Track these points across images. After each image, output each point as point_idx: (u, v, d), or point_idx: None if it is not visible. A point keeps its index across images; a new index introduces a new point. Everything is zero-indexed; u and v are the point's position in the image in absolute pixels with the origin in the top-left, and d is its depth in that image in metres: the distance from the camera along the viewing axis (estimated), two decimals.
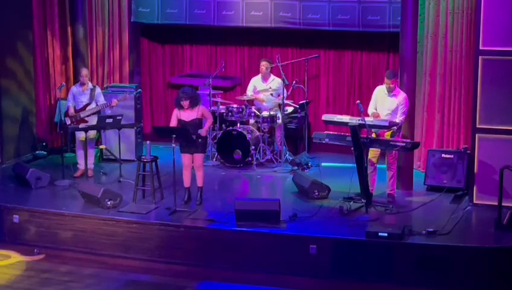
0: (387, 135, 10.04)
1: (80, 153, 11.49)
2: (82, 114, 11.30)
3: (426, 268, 8.66)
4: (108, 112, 11.49)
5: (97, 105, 11.31)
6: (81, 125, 11.26)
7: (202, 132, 9.95)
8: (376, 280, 8.80)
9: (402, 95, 10.20)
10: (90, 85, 11.46)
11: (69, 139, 12.24)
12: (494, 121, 9.88)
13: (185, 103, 9.85)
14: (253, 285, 8.84)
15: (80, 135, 11.41)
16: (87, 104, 11.33)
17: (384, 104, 10.18)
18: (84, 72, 11.49)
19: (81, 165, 11.51)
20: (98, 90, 11.51)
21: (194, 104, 9.91)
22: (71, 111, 11.34)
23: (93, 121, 11.33)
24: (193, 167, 10.17)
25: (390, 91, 10.15)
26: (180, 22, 13.01)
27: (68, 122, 11.32)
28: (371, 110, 10.23)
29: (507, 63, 9.74)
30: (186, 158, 10.10)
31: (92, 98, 11.34)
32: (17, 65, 12.39)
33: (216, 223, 9.40)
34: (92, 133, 11.45)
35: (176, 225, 9.43)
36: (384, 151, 10.18)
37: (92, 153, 11.50)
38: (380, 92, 10.28)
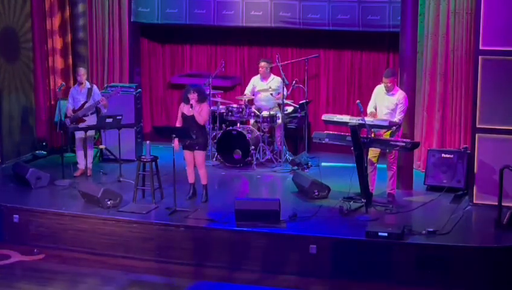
0: (386, 134, 10.04)
1: (80, 153, 11.51)
2: (80, 113, 11.31)
3: (426, 268, 8.66)
4: (104, 111, 11.50)
5: (94, 102, 11.32)
6: (81, 125, 11.27)
7: (195, 105, 9.88)
8: (376, 279, 8.79)
9: (401, 94, 10.20)
10: (87, 84, 11.47)
11: (69, 139, 12.25)
12: (494, 121, 9.88)
13: (194, 96, 9.87)
14: (253, 285, 8.84)
15: (79, 135, 11.43)
16: (85, 103, 11.34)
17: (384, 103, 10.18)
18: (82, 71, 11.50)
19: (81, 165, 11.53)
20: (95, 89, 11.51)
21: (201, 99, 9.94)
22: (69, 112, 11.36)
23: (91, 120, 11.34)
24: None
25: (388, 90, 10.15)
26: (180, 21, 13.01)
27: (68, 123, 11.34)
28: (370, 109, 10.22)
29: (507, 63, 9.75)
30: (187, 155, 10.15)
31: (88, 97, 11.35)
32: (17, 65, 12.40)
33: (216, 222, 9.40)
34: (91, 133, 11.47)
35: (176, 225, 9.43)
36: (384, 151, 10.18)
37: (90, 152, 11.50)
38: (379, 91, 10.28)
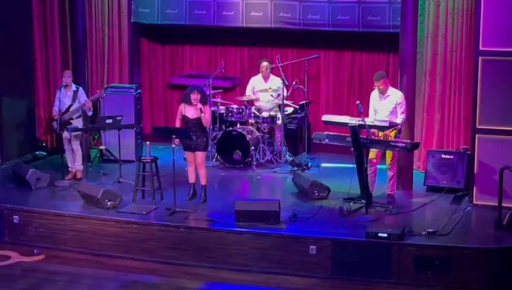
0: (391, 135, 10.03)
1: (68, 154, 11.41)
2: (66, 116, 11.24)
3: (426, 268, 8.66)
4: (89, 114, 11.43)
5: (79, 105, 11.25)
6: (80, 126, 11.24)
7: (203, 110, 9.92)
8: (376, 280, 8.80)
9: (398, 94, 10.19)
10: (73, 87, 11.40)
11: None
12: (494, 121, 9.89)
13: (197, 96, 9.87)
14: (253, 285, 8.84)
15: (65, 135, 11.32)
16: (71, 106, 11.28)
17: (382, 106, 10.17)
18: (67, 73, 11.42)
19: (71, 168, 11.43)
20: (81, 91, 11.39)
21: (203, 101, 9.96)
22: (55, 114, 11.28)
23: (77, 123, 11.22)
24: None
25: (382, 93, 10.16)
26: (180, 22, 13.01)
27: (55, 126, 11.26)
28: (371, 116, 10.20)
29: (507, 63, 9.75)
30: (188, 155, 10.20)
31: (74, 99, 11.28)
32: (17, 65, 12.39)
33: (216, 223, 9.41)
34: (75, 133, 11.31)
35: (175, 225, 9.44)
36: (384, 151, 10.18)
37: (78, 153, 11.28)
38: (374, 96, 10.29)
